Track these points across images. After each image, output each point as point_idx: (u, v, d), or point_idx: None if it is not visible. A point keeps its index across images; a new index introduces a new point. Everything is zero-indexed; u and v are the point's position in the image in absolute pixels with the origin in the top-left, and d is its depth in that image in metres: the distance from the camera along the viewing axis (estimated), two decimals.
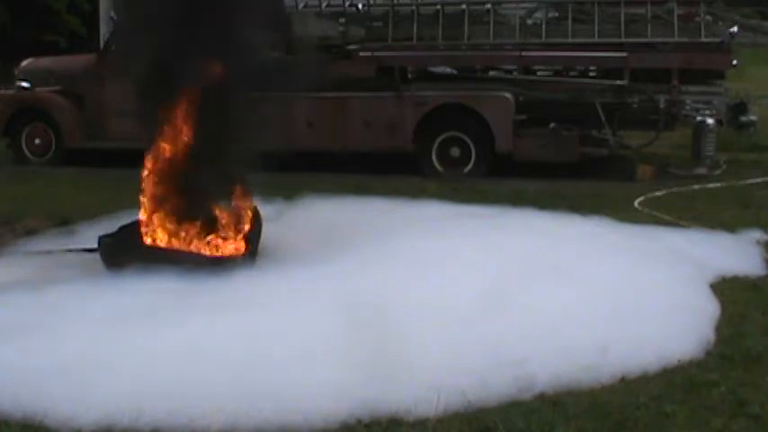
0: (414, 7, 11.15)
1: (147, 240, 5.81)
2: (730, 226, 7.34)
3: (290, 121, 10.89)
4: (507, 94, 10.61)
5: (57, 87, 12.02)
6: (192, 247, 5.79)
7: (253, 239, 6.00)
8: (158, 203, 5.83)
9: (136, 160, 6.02)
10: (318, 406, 3.81)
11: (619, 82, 10.48)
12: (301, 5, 11.43)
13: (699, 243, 6.68)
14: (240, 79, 5.74)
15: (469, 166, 10.72)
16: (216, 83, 5.73)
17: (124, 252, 5.68)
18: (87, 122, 11.83)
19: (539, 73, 11.23)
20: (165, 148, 5.84)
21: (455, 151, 10.74)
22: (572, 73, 11.17)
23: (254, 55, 5.78)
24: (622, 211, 7.99)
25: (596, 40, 10.53)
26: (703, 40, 10.32)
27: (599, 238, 6.46)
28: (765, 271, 6.15)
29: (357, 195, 8.25)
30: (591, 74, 11.08)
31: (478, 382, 4.03)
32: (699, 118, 10.45)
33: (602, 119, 10.45)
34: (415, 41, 10.98)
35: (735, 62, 10.60)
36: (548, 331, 4.49)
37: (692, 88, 10.48)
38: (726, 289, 5.66)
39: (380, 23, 11.32)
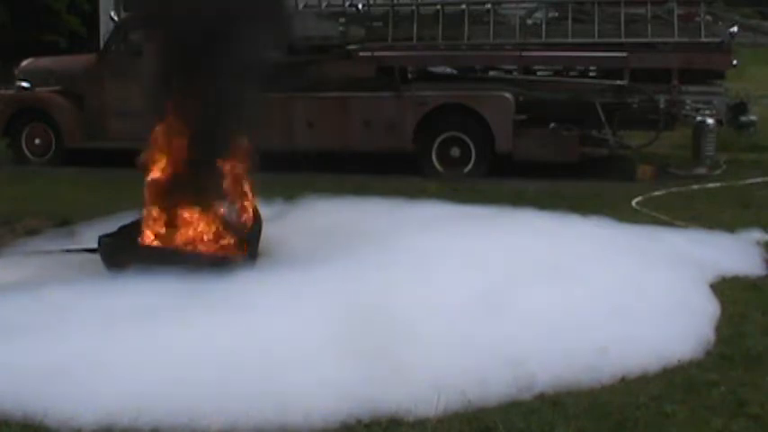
0: (414, 7, 11.15)
1: (147, 240, 5.81)
2: (730, 226, 7.34)
3: (290, 121, 10.93)
4: (507, 94, 10.61)
5: (57, 87, 12.03)
6: (193, 248, 5.78)
7: (253, 240, 6.00)
8: (159, 202, 5.83)
9: (136, 160, 6.02)
10: (318, 406, 3.81)
11: (619, 82, 10.48)
12: (301, 5, 11.44)
13: (699, 243, 6.68)
14: (242, 78, 5.75)
15: (469, 166, 10.72)
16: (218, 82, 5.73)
17: (124, 252, 5.68)
18: (87, 122, 11.85)
19: (539, 73, 11.23)
20: (167, 147, 5.85)
21: (455, 151, 10.75)
22: (572, 73, 11.17)
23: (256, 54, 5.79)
24: (622, 211, 8.00)
25: (596, 40, 10.54)
26: (703, 40, 10.32)
27: (599, 238, 6.46)
28: (765, 271, 6.15)
29: (357, 195, 8.25)
30: (591, 74, 11.08)
31: (478, 382, 4.03)
32: (699, 118, 10.46)
33: (602, 119, 10.45)
34: (415, 41, 10.98)
35: (735, 62, 10.61)
36: (548, 331, 4.49)
37: (692, 88, 10.48)
38: (726, 289, 5.66)
39: (380, 23, 11.32)
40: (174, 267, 5.07)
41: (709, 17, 10.62)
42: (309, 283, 4.99)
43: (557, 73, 11.16)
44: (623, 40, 10.42)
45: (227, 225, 5.88)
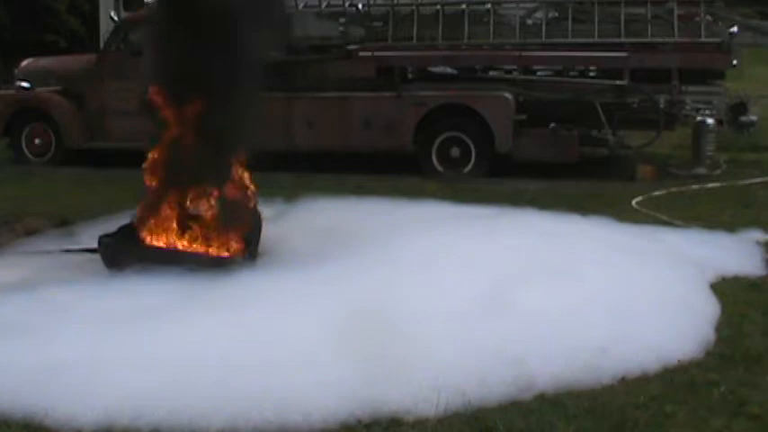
0: (414, 7, 11.15)
1: (147, 240, 5.80)
2: (730, 226, 7.35)
3: (290, 121, 10.94)
4: (507, 94, 10.61)
5: (57, 87, 12.03)
6: (193, 248, 5.78)
7: (253, 240, 6.00)
8: (158, 203, 5.83)
9: (136, 160, 6.02)
10: (318, 406, 3.81)
11: (619, 82, 10.48)
12: (301, 5, 11.44)
13: (699, 243, 6.68)
14: (242, 78, 5.75)
15: (469, 166, 10.72)
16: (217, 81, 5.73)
17: (124, 252, 5.68)
18: (87, 122, 11.84)
19: (539, 73, 11.23)
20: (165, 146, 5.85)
21: (455, 151, 10.74)
22: (572, 73, 11.17)
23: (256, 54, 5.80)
24: (622, 211, 8.00)
25: (596, 40, 10.54)
26: (703, 40, 10.33)
27: (599, 237, 6.46)
28: (765, 271, 6.15)
29: (357, 195, 8.25)
30: (591, 74, 11.08)
31: (478, 382, 4.03)
32: (699, 118, 10.47)
33: (602, 119, 10.45)
34: (415, 41, 10.99)
35: (735, 62, 10.61)
36: (548, 331, 4.49)
37: (692, 88, 10.49)
38: (726, 289, 5.66)
39: (380, 23, 11.32)
40: (174, 267, 5.07)
41: (709, 17, 10.62)
42: (309, 283, 4.99)
43: (557, 73, 11.15)
44: (623, 40, 10.43)
45: (226, 225, 5.88)
